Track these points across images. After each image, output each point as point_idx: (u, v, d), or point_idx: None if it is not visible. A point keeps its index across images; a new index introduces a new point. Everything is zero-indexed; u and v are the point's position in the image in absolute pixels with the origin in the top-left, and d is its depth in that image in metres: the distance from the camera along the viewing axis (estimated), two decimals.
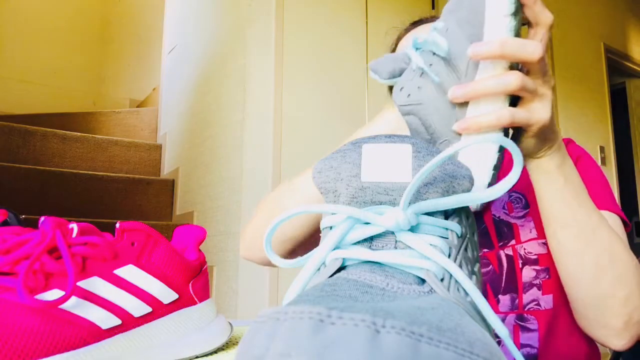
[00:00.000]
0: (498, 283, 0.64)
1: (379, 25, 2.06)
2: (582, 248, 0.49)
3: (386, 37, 0.81)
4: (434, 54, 0.43)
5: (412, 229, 0.24)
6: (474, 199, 0.25)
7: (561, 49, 3.04)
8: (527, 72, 0.42)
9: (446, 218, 0.25)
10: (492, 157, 0.42)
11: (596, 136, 3.17)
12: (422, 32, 0.66)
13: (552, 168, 0.47)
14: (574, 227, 0.49)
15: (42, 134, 2.27)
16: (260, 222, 0.66)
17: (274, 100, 1.80)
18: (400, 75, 0.47)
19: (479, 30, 0.40)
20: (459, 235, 0.25)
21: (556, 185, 0.48)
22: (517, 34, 0.40)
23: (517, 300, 0.64)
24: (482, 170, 0.42)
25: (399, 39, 0.75)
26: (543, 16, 0.42)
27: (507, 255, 0.65)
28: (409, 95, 0.44)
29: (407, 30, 0.74)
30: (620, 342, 0.52)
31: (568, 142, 0.71)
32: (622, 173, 3.46)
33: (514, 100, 0.43)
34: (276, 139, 1.78)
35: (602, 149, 3.17)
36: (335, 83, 1.96)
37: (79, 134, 2.40)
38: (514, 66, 0.41)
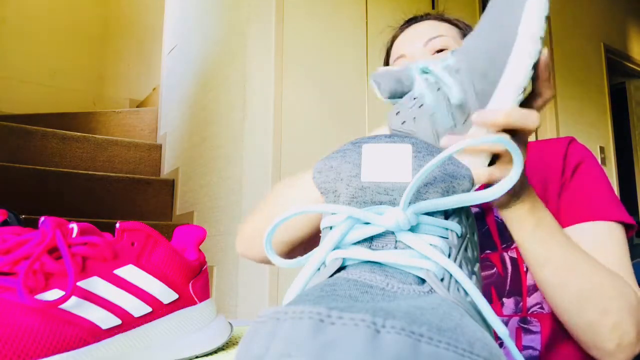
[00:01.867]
0: (503, 286, 0.64)
1: (379, 25, 2.05)
2: (564, 282, 0.51)
3: (381, 35, 0.81)
4: (439, 88, 0.43)
5: (412, 229, 0.24)
6: (474, 199, 0.25)
7: (561, 49, 3.04)
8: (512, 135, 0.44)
9: (446, 218, 0.25)
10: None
11: (596, 136, 3.17)
12: (428, 56, 0.66)
13: (523, 213, 0.49)
14: (552, 265, 0.51)
15: (42, 134, 2.27)
16: (259, 220, 0.66)
17: (274, 100, 1.80)
18: (400, 96, 0.46)
19: (490, 90, 0.41)
20: (459, 235, 0.25)
21: (529, 228, 0.49)
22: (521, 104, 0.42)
23: (521, 304, 0.64)
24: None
25: (394, 38, 0.75)
26: (548, 91, 0.45)
27: (511, 258, 0.65)
28: (403, 122, 0.44)
29: (402, 29, 0.74)
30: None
31: (570, 142, 0.70)
32: (622, 173, 3.46)
33: (494, 157, 0.45)
34: (276, 139, 1.78)
35: (602, 149, 3.17)
36: (335, 83, 1.96)
37: (79, 134, 2.40)
38: None
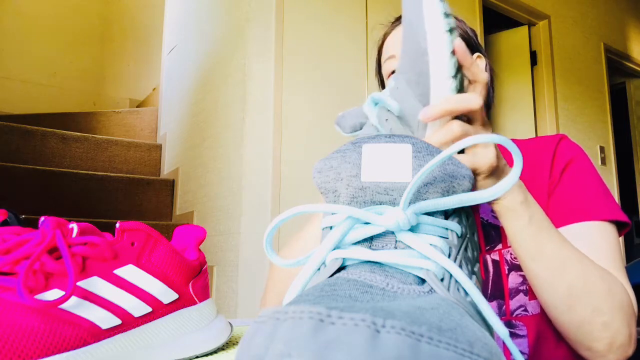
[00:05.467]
0: (485, 289, 0.64)
1: (379, 25, 2.05)
2: (554, 279, 0.51)
3: (372, 33, 0.82)
4: (389, 110, 0.47)
5: (412, 229, 0.24)
6: (474, 198, 0.25)
7: (561, 49, 3.04)
8: (468, 121, 0.47)
9: (446, 218, 0.25)
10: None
11: (596, 136, 3.17)
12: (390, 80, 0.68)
13: (516, 205, 0.49)
14: (543, 261, 0.51)
15: (42, 134, 2.27)
16: (273, 296, 0.68)
17: (274, 100, 1.80)
18: (361, 128, 0.51)
19: (426, 91, 0.45)
20: (459, 235, 0.25)
21: (522, 222, 0.50)
22: (460, 92, 0.46)
23: (504, 307, 0.63)
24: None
25: (385, 35, 0.75)
26: (480, 75, 0.48)
27: (493, 261, 0.65)
28: None
29: (393, 26, 0.74)
30: None
31: (561, 139, 0.69)
32: (622, 173, 3.46)
33: (461, 152, 0.47)
34: (276, 139, 1.78)
35: (602, 149, 3.17)
36: (335, 83, 1.96)
37: (79, 134, 2.40)
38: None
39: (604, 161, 3.16)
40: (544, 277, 0.51)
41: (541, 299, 0.53)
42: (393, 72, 0.72)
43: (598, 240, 0.59)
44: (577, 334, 0.52)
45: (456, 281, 0.23)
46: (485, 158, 0.46)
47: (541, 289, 0.52)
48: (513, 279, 0.63)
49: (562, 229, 0.61)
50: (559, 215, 0.62)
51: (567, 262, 0.51)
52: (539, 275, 0.51)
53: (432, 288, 0.22)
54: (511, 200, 0.49)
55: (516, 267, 0.64)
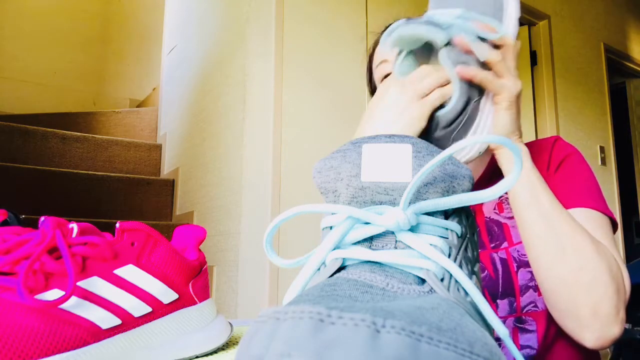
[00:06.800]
0: (495, 288, 0.64)
1: (379, 25, 2.05)
2: (545, 229, 0.53)
3: (372, 33, 0.82)
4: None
5: (412, 229, 0.24)
6: (474, 198, 0.25)
7: (561, 49, 3.04)
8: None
9: (446, 218, 0.25)
10: None
11: (596, 136, 3.17)
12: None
13: (522, 151, 0.55)
14: (538, 208, 0.53)
15: (42, 134, 2.27)
16: None
17: (274, 100, 1.79)
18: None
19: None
20: (459, 235, 0.25)
21: (525, 165, 0.54)
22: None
23: (515, 304, 0.64)
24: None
25: (376, 43, 0.76)
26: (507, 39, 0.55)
27: (501, 259, 0.65)
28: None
29: (383, 34, 0.74)
30: (591, 335, 0.52)
31: (555, 140, 0.70)
32: (622, 173, 3.46)
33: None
34: (276, 139, 1.78)
35: (602, 149, 3.17)
36: (335, 83, 1.96)
37: (79, 134, 2.40)
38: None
39: (604, 161, 3.16)
40: (536, 226, 0.53)
41: (529, 254, 0.55)
42: (386, 76, 0.72)
43: (591, 225, 0.59)
44: (562, 296, 0.53)
45: (456, 281, 0.23)
46: (510, 84, 0.52)
47: (531, 238, 0.54)
48: (522, 276, 0.64)
49: None
50: None
51: (559, 218, 0.53)
52: (532, 223, 0.54)
53: (432, 288, 0.22)
54: (519, 145, 0.54)
55: (524, 264, 0.64)
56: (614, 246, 0.59)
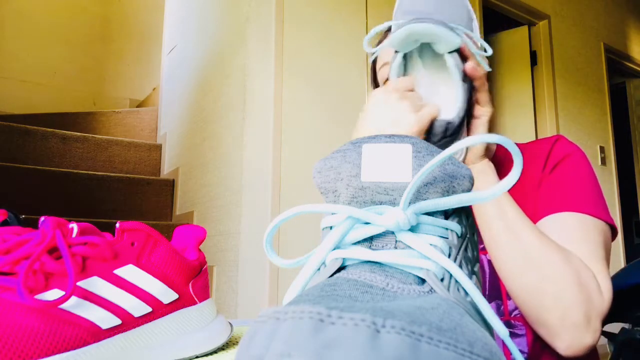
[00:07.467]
0: (482, 290, 0.64)
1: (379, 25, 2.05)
2: (509, 241, 0.54)
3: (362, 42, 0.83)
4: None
5: (412, 229, 0.24)
6: (474, 198, 0.25)
7: (561, 49, 3.04)
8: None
9: (446, 218, 0.25)
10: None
11: (596, 136, 3.17)
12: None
13: (489, 167, 0.57)
14: (505, 220, 0.55)
15: (42, 134, 2.27)
16: None
17: (274, 100, 1.79)
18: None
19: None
20: (459, 235, 0.25)
21: (491, 181, 0.56)
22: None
23: (502, 307, 0.63)
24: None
25: (379, 43, 0.76)
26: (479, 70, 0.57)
27: (488, 261, 0.64)
28: None
29: (386, 35, 0.74)
30: (562, 343, 0.52)
31: (557, 140, 0.69)
32: (622, 173, 3.46)
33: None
34: (276, 139, 1.78)
35: (602, 149, 3.17)
36: (335, 83, 1.96)
37: (79, 134, 2.40)
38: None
39: (604, 161, 3.16)
40: (501, 237, 0.55)
41: (497, 262, 0.56)
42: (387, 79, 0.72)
43: (575, 232, 0.58)
44: (530, 304, 0.53)
45: (456, 281, 0.23)
46: (489, 108, 0.57)
47: (498, 250, 0.55)
48: None
49: (543, 220, 0.61)
50: (543, 206, 0.62)
51: (526, 228, 0.54)
52: (499, 234, 0.55)
53: (432, 288, 0.22)
54: (486, 163, 0.56)
55: None
56: (599, 252, 0.57)
